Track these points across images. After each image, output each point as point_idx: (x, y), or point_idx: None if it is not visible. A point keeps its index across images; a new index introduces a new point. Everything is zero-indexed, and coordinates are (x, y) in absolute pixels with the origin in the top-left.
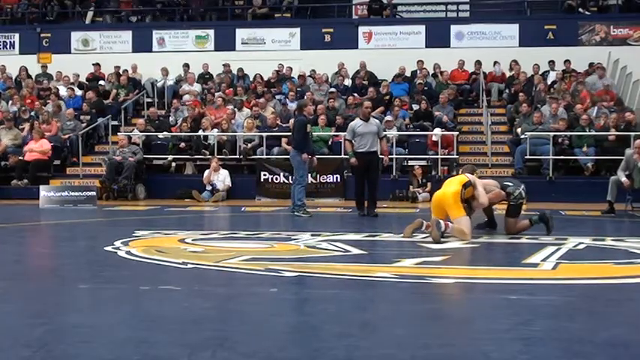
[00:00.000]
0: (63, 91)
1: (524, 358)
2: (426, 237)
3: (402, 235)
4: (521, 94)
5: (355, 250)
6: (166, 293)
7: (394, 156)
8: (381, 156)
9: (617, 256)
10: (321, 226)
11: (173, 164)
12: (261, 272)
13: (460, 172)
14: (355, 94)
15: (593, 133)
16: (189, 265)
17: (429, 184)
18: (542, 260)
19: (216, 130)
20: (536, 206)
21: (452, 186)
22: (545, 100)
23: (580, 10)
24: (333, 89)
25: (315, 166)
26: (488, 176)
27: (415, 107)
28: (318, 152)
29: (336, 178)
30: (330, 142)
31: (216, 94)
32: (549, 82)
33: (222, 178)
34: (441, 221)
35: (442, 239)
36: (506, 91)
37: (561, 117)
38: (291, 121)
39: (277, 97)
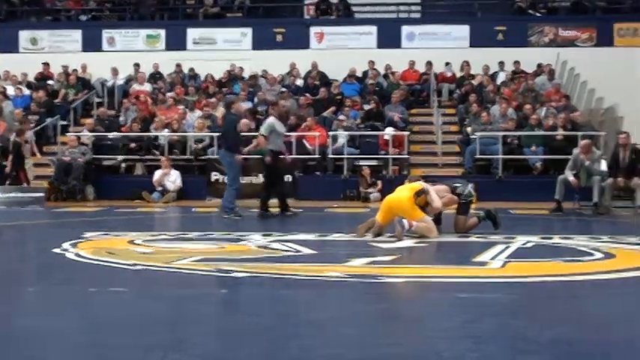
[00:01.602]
0: (10, 91)
1: (474, 356)
2: (385, 236)
3: (353, 234)
4: (472, 94)
5: (306, 250)
6: (116, 295)
7: (345, 156)
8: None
9: (565, 254)
10: (273, 226)
11: (123, 165)
12: (211, 273)
13: (408, 182)
14: (307, 94)
15: (542, 132)
16: (140, 267)
17: (379, 182)
18: (491, 259)
19: (166, 130)
20: (486, 205)
21: (405, 191)
22: (494, 100)
23: (530, 11)
24: (284, 89)
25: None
26: (438, 176)
27: (366, 107)
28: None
29: (288, 178)
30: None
31: (167, 94)
32: (499, 83)
33: (172, 179)
34: (405, 220)
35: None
36: (457, 91)
37: (510, 117)
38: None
39: (227, 97)
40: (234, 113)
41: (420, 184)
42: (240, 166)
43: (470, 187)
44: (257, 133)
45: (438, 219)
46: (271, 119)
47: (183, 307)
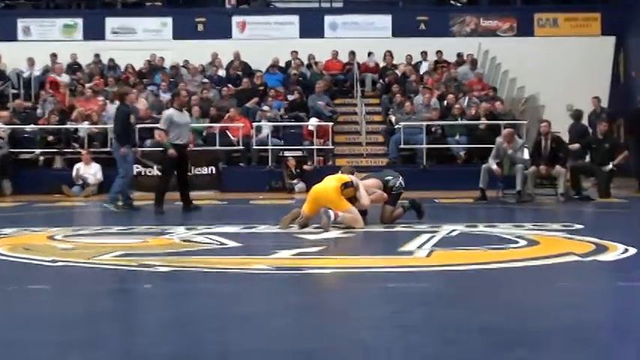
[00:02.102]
0: None
1: (402, 345)
2: (310, 227)
3: (278, 226)
4: (395, 84)
5: (231, 243)
6: (36, 293)
7: (269, 147)
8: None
9: (490, 242)
10: (197, 219)
11: (41, 158)
12: (134, 268)
13: (340, 173)
14: (229, 85)
15: (465, 122)
16: (60, 263)
17: (308, 166)
18: (417, 248)
19: (86, 122)
20: (411, 195)
21: (332, 182)
22: (417, 90)
23: (451, 1)
24: (206, 80)
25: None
26: (364, 167)
27: (290, 98)
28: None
29: (211, 170)
30: (204, 134)
31: (86, 85)
32: (422, 73)
33: (93, 172)
34: (330, 210)
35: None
36: (380, 81)
37: (434, 107)
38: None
39: (149, 88)
40: (127, 105)
41: (348, 177)
42: (132, 157)
43: (401, 180)
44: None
45: (363, 211)
46: (169, 111)
47: (105, 304)
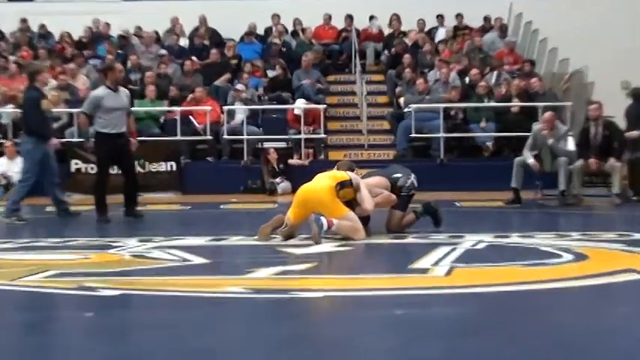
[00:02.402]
0: None
1: None
2: (297, 239)
3: (256, 237)
4: (406, 55)
5: (197, 259)
6: None
7: (245, 137)
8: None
9: (526, 257)
10: (153, 229)
11: None
12: (73, 291)
13: (336, 169)
14: (194, 58)
15: (493, 104)
16: None
17: (294, 160)
18: (433, 264)
19: (10, 105)
20: (425, 197)
21: (326, 180)
22: (432, 63)
23: None
24: (164, 51)
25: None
26: (365, 162)
27: (271, 74)
28: (147, 133)
29: (171, 166)
30: (161, 120)
31: (10, 58)
32: (437, 41)
33: (19, 169)
34: (323, 217)
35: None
36: (385, 52)
37: (453, 85)
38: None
39: (91, 61)
40: (38, 87)
41: (346, 175)
42: (40, 156)
43: (413, 178)
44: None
45: (365, 217)
46: (97, 91)
47: (36, 336)
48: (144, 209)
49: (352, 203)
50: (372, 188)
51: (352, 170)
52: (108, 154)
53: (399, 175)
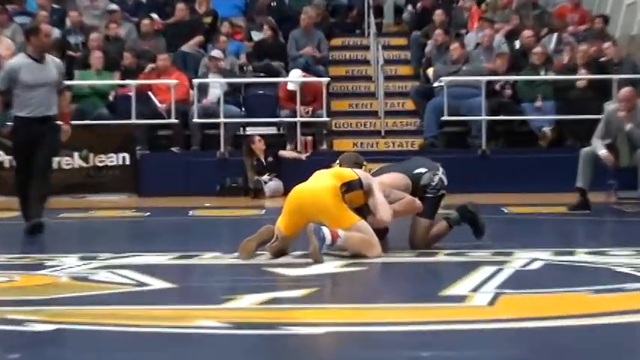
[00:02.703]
0: None
1: None
2: (290, 256)
3: (236, 254)
4: (437, 11)
5: (157, 283)
6: None
7: (222, 120)
8: (60, 123)
9: (596, 280)
10: (99, 243)
11: None
12: None
13: (337, 165)
14: (154, 16)
15: (553, 77)
16: None
17: (287, 151)
18: (471, 290)
19: None
20: (460, 199)
21: (327, 179)
22: (472, 23)
23: None
24: (115, 6)
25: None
26: (383, 153)
27: (257, 36)
28: (92, 115)
29: (123, 158)
30: (111, 98)
31: None
32: None
33: None
34: (325, 228)
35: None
36: (409, 7)
37: (499, 51)
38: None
39: (18, 19)
40: None
41: (354, 173)
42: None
43: (441, 174)
44: None
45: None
46: (13, 60)
47: None
48: (86, 216)
49: (362, 211)
50: (388, 191)
51: (360, 166)
52: (25, 145)
53: (422, 170)
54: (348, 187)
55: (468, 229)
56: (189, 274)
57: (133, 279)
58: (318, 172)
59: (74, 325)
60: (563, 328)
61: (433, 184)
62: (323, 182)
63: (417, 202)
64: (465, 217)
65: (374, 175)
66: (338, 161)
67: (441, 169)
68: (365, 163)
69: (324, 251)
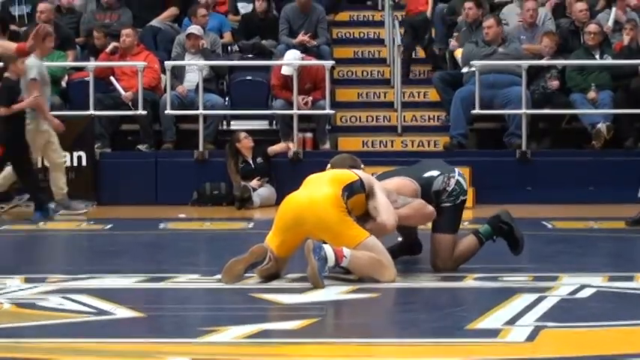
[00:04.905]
0: None
1: None
2: (287, 280)
3: (219, 277)
4: None
5: (121, 311)
6: None
7: (200, 112)
8: None
9: None
10: (49, 262)
11: None
12: None
13: (329, 168)
14: None
15: (609, 61)
16: None
17: (276, 148)
18: (507, 323)
19: None
20: (492, 212)
21: (326, 185)
22: None
23: None
24: None
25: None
26: (399, 154)
27: (244, 8)
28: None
29: (79, 158)
30: (64, 84)
31: None
32: None
33: None
34: (327, 246)
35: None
36: None
37: (544, 29)
38: None
39: None
40: None
41: (352, 173)
42: None
43: (458, 176)
44: None
45: (412, 245)
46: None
47: None
48: (33, 229)
49: (363, 220)
50: (395, 196)
51: (358, 168)
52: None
53: (433, 173)
54: (350, 190)
55: (502, 247)
56: (159, 301)
57: (91, 306)
58: (311, 176)
59: None
60: None
61: (449, 189)
62: (321, 190)
63: (429, 207)
64: (497, 228)
65: (380, 178)
66: (329, 165)
67: (457, 171)
68: (363, 166)
69: (326, 274)
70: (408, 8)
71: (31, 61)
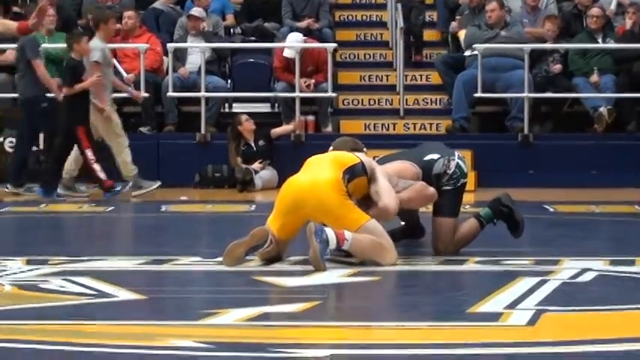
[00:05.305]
0: None
1: None
2: (286, 262)
3: (220, 260)
4: None
5: (122, 293)
6: None
7: (202, 94)
8: None
9: None
10: (50, 244)
11: None
12: None
13: (332, 149)
14: None
15: (612, 45)
16: None
17: (278, 130)
18: (507, 307)
19: None
20: (494, 192)
21: (327, 169)
22: None
23: None
24: None
25: None
26: (401, 137)
27: None
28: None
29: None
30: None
31: None
32: None
33: None
34: (328, 228)
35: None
36: None
37: (546, 13)
38: None
39: None
40: None
41: (354, 156)
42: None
43: (457, 158)
44: None
45: (414, 228)
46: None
47: None
48: (35, 210)
49: (365, 204)
50: (396, 180)
51: (359, 151)
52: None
53: (434, 156)
54: (351, 173)
55: (503, 231)
56: (161, 283)
57: (92, 288)
58: (312, 158)
59: (18, 344)
60: (617, 354)
61: (449, 172)
62: (323, 173)
63: (431, 189)
64: (497, 211)
65: (381, 162)
66: (332, 147)
67: (457, 154)
68: (365, 149)
69: (327, 257)
70: None
71: (95, 43)
